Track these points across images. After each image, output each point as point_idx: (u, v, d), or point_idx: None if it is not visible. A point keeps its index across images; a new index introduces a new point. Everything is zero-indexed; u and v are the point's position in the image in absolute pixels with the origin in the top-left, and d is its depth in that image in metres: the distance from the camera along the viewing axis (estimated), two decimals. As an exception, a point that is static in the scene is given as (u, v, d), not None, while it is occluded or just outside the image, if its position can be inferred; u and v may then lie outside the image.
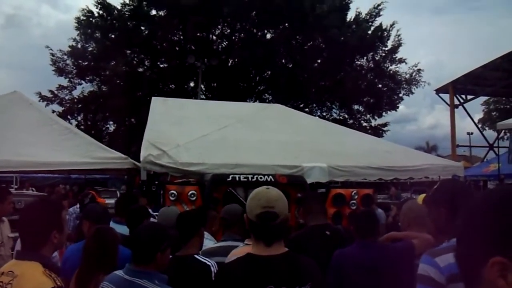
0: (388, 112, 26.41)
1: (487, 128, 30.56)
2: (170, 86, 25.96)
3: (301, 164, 6.63)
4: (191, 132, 7.73)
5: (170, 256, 2.57)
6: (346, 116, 27.79)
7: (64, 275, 3.02)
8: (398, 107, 26.00)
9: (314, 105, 27.68)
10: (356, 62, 25.44)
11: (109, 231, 2.85)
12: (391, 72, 25.16)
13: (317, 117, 25.23)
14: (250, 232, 2.08)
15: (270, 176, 5.78)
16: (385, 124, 26.81)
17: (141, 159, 6.50)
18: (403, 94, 25.81)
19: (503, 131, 20.60)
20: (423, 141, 53.29)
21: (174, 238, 2.48)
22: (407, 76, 25.36)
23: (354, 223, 3.22)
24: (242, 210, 3.34)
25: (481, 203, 0.93)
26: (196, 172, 6.72)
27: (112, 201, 17.74)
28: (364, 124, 27.24)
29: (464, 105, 24.09)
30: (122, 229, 3.60)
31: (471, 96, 23.65)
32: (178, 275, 2.46)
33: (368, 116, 27.23)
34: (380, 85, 25.42)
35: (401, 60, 25.02)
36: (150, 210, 5.83)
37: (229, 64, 25.07)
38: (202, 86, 24.20)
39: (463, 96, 23.52)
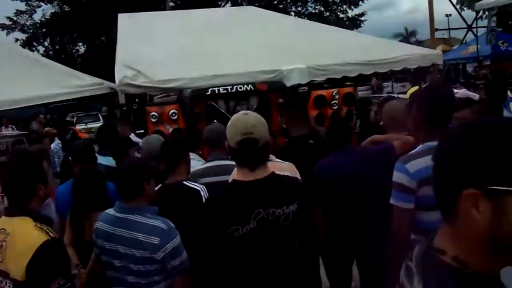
0: (365, 0, 25.60)
1: (465, 9, 29.84)
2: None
3: (280, 67, 6.52)
4: (164, 47, 7.46)
5: (159, 186, 2.61)
6: (322, 8, 26.92)
7: (60, 216, 3.08)
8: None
9: (289, 0, 26.60)
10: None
11: (94, 172, 2.83)
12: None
13: (292, 13, 24.32)
14: (233, 159, 2.08)
15: (250, 85, 5.70)
16: (362, 14, 26.14)
17: (117, 82, 6.33)
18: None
19: (481, 11, 20.24)
20: (402, 27, 52.30)
21: (155, 168, 2.48)
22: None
23: (328, 135, 3.24)
24: (225, 127, 3.32)
25: (454, 137, 0.95)
26: (175, 88, 6.61)
27: (95, 125, 17.70)
28: (341, 15, 26.52)
29: (442, -15, 23.40)
30: (108, 161, 3.61)
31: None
32: (168, 203, 2.48)
33: (345, 6, 26.40)
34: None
35: None
36: (133, 136, 5.81)
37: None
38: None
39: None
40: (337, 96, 5.76)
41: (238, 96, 5.69)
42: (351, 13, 26.61)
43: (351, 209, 3.04)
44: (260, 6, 24.19)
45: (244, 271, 2.00)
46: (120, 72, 6.50)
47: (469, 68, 19.83)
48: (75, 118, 20.05)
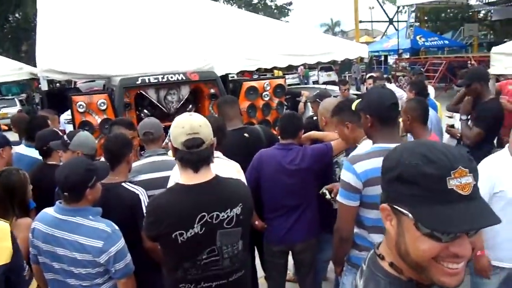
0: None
1: (387, 2, 31.43)
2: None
3: (210, 57, 6.51)
4: (90, 29, 7.12)
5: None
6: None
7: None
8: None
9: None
10: None
11: (13, 174, 2.60)
12: None
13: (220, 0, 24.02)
14: (176, 160, 2.04)
15: (181, 74, 5.61)
16: (290, 3, 26.52)
17: (39, 67, 5.96)
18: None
19: (401, 6, 21.44)
20: (326, 16, 54.00)
21: (102, 169, 2.38)
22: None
23: (278, 124, 3.29)
24: (159, 122, 3.27)
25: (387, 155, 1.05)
26: (103, 76, 6.37)
27: (11, 110, 16.45)
28: (270, 3, 26.73)
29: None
30: (34, 153, 3.43)
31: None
32: (107, 205, 2.38)
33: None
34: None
35: None
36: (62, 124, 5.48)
37: None
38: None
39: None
40: (268, 88, 5.82)
41: (168, 86, 5.58)
42: (279, 1, 26.89)
43: (284, 201, 3.13)
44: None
45: (187, 273, 2.00)
46: (43, 56, 6.14)
47: (390, 60, 20.95)
48: (-11, 102, 18.40)
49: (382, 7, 27.23)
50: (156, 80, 5.46)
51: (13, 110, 16.03)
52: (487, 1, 12.52)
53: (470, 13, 27.28)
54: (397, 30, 20.87)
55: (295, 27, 10.51)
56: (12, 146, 3.43)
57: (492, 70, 6.82)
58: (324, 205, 3.07)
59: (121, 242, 2.19)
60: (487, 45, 19.87)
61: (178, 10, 8.58)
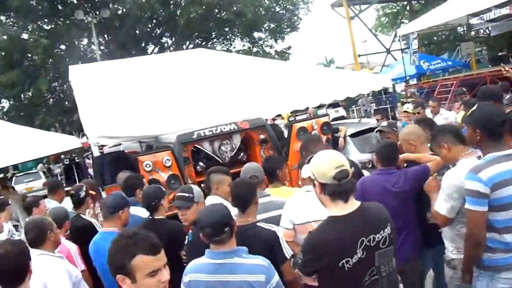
0: (290, 34, 26.85)
1: (380, 34, 32.39)
2: (60, 47, 23.83)
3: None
4: (126, 96, 7.39)
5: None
6: (250, 45, 27.81)
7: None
8: (299, 28, 26.48)
9: (215, 40, 27.21)
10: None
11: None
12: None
13: (222, 51, 24.80)
14: (325, 195, 2.19)
15: (233, 124, 5.80)
16: (289, 47, 27.34)
17: (90, 135, 6.17)
18: (303, 14, 26.26)
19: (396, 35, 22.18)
20: (321, 55, 55.37)
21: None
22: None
23: (377, 153, 3.47)
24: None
25: None
26: (150, 136, 6.57)
27: (36, 184, 16.60)
28: (268, 50, 27.54)
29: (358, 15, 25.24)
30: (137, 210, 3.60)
31: (365, 6, 24.72)
32: (246, 245, 2.47)
33: (271, 41, 27.47)
34: (278, 9, 25.55)
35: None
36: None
37: (120, 12, 23.36)
38: (97, 41, 22.52)
39: (357, 7, 24.55)
40: (316, 126, 6.01)
41: (223, 136, 5.77)
42: (277, 47, 27.71)
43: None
44: (187, 47, 24.58)
45: None
46: (91, 125, 6.36)
47: (398, 88, 21.37)
48: (14, 178, 18.45)
49: (377, 38, 28.05)
50: (210, 133, 5.65)
51: (38, 183, 16.21)
52: (488, 19, 12.95)
53: (462, 33, 28.15)
54: (394, 58, 21.58)
55: (315, 67, 10.87)
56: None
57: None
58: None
59: (276, 274, 2.34)
60: (490, 60, 20.44)
61: (200, 66, 8.93)
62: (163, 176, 5.11)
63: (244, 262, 2.29)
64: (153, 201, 3.42)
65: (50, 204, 4.80)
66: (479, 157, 2.71)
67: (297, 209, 2.94)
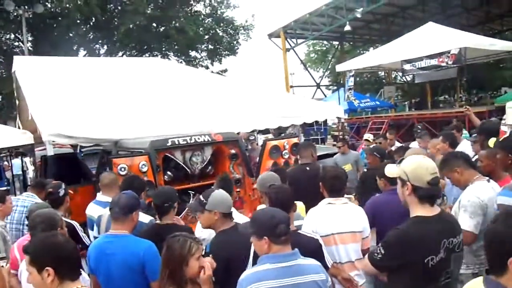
0: (227, 57, 27.10)
1: (309, 69, 33.88)
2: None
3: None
4: (83, 97, 6.96)
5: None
6: (185, 63, 27.60)
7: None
8: (237, 53, 26.81)
9: (147, 54, 26.67)
10: (193, 6, 25.09)
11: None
12: (228, 18, 25.63)
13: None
14: (414, 197, 2.33)
15: (207, 136, 5.71)
16: (225, 70, 27.54)
17: (44, 132, 5.69)
18: (242, 39, 26.64)
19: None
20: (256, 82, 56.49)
21: None
22: (244, 22, 26.21)
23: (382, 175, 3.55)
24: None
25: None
26: (110, 139, 6.20)
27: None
28: (204, 70, 27.48)
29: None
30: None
31: (302, 40, 25.78)
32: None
33: (206, 62, 27.50)
34: (219, 31, 25.75)
35: (235, 6, 25.64)
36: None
37: (55, 10, 22.04)
38: (26, 37, 20.96)
39: (294, 40, 25.52)
40: (287, 146, 6.09)
41: (196, 147, 5.64)
42: (213, 68, 27.80)
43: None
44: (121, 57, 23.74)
45: None
46: (46, 121, 5.88)
47: (330, 121, 22.32)
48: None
49: (309, 72, 29.33)
50: (184, 142, 5.51)
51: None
52: (419, 67, 14.16)
53: (383, 77, 30.53)
54: (323, 93, 22.66)
55: (279, 91, 11.07)
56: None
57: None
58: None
59: None
60: (414, 104, 22.32)
61: (157, 75, 8.73)
62: (139, 181, 4.83)
63: (306, 262, 2.30)
64: (167, 203, 3.23)
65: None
66: (488, 181, 2.96)
67: (320, 221, 2.96)
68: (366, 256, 2.55)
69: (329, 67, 30.98)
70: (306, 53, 37.35)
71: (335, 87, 33.77)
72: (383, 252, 2.34)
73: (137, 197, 3.07)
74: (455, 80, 19.55)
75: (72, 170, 7.08)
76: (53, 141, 6.00)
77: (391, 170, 2.62)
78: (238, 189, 6.00)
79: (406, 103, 24.33)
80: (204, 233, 3.29)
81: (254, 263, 2.50)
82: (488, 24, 25.99)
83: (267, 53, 70.74)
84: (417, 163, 2.35)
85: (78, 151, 11.67)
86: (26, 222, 4.26)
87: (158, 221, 3.32)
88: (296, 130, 22.96)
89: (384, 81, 32.65)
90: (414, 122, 14.02)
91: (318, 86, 27.90)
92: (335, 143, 10.31)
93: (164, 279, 2.25)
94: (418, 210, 2.33)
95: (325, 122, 21.00)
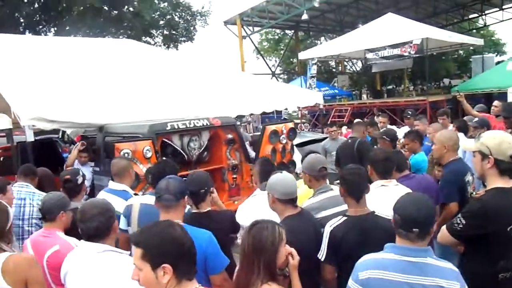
0: (184, 43, 26.41)
1: (260, 57, 33.77)
2: None
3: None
4: (61, 79, 6.46)
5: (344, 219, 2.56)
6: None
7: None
8: (194, 39, 26.13)
9: (102, 37, 25.44)
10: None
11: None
12: (184, 3, 24.90)
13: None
14: (495, 169, 2.45)
15: (205, 120, 5.48)
16: (181, 56, 26.80)
17: (24, 116, 5.22)
18: (199, 26, 25.97)
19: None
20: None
21: None
22: (201, 8, 25.59)
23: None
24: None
25: None
26: (95, 124, 5.79)
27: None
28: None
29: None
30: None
31: (258, 28, 25.62)
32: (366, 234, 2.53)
33: (164, 48, 26.68)
34: (175, 17, 24.97)
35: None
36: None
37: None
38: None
39: (250, 28, 25.32)
40: (284, 130, 5.96)
41: (195, 131, 5.40)
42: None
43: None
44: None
45: (509, 263, 2.38)
46: (25, 104, 5.39)
47: (290, 109, 22.45)
48: None
49: (265, 60, 29.30)
50: (184, 126, 5.28)
51: None
52: (382, 56, 14.50)
53: (336, 66, 31.20)
54: (277, 79, 22.68)
55: (262, 78, 10.92)
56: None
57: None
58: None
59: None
60: (371, 93, 22.91)
61: (134, 57, 8.33)
62: (141, 169, 4.53)
63: (437, 263, 2.02)
64: (203, 189, 3.02)
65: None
66: None
67: (377, 203, 2.86)
68: (444, 226, 2.60)
69: (283, 55, 31.16)
70: (258, 42, 37.18)
71: (286, 76, 34.17)
72: (464, 222, 2.43)
73: (183, 181, 2.81)
74: (402, 71, 20.28)
75: (50, 158, 6.56)
76: (33, 126, 5.54)
77: (468, 144, 2.69)
78: (234, 176, 5.83)
79: (355, 92, 24.94)
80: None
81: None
82: (433, 18, 27.11)
83: (223, 40, 69.67)
84: (501, 138, 2.46)
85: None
86: (28, 216, 3.92)
87: (195, 210, 3.08)
88: (255, 117, 23.01)
89: (334, 70, 33.40)
90: (374, 110, 14.43)
91: (273, 74, 27.97)
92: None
93: (260, 273, 2.00)
94: (498, 182, 2.43)
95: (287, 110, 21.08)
